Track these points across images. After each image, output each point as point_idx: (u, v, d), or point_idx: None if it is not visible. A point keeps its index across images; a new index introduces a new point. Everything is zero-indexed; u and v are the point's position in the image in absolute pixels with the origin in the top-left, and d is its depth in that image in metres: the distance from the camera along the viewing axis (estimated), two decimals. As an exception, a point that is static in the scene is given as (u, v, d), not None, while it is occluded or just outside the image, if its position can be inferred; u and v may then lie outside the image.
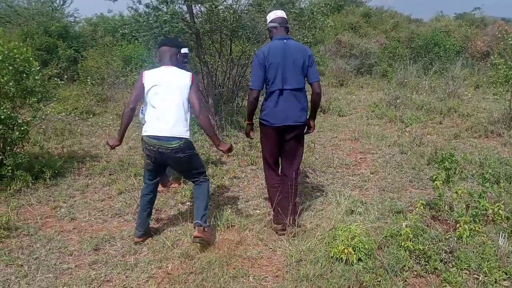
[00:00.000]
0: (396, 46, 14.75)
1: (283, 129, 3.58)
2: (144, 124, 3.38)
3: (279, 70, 3.48)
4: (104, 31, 16.23)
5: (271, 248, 3.45)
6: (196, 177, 3.55)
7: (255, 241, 3.57)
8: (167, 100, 3.29)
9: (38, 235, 3.69)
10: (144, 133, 3.33)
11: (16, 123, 4.77)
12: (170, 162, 3.46)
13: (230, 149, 3.47)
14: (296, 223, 3.66)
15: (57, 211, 4.21)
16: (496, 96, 7.90)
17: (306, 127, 3.74)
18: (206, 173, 3.63)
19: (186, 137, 3.31)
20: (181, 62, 3.53)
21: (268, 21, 3.64)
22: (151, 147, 3.30)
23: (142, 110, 3.99)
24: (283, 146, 3.71)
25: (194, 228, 3.37)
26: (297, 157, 3.75)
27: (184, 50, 4.43)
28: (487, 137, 6.71)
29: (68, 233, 3.77)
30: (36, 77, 4.87)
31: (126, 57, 10.63)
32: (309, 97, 3.64)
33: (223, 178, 5.08)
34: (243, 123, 7.12)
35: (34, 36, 12.24)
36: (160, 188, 4.39)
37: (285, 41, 3.53)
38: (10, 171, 4.58)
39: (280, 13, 3.63)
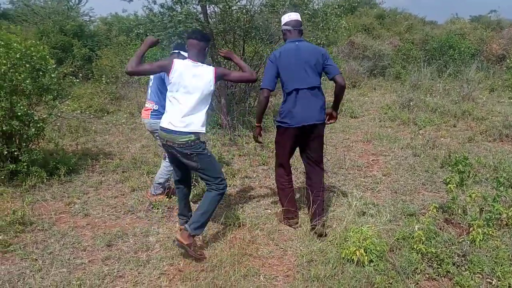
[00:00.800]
0: (410, 48, 14.62)
1: (303, 129, 3.59)
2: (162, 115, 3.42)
3: (293, 71, 3.52)
4: (118, 30, 16.39)
5: (282, 248, 3.46)
6: (208, 182, 3.38)
7: (266, 240, 3.58)
8: (187, 97, 3.26)
9: (52, 230, 3.75)
10: (160, 124, 3.36)
11: (32, 120, 4.84)
12: (181, 159, 3.36)
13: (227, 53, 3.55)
14: (325, 225, 3.65)
15: (71, 207, 4.27)
16: (511, 100, 7.80)
17: (328, 116, 3.77)
18: (222, 183, 3.38)
19: (198, 131, 3.26)
20: (206, 56, 3.49)
21: (282, 23, 3.67)
22: (162, 140, 3.35)
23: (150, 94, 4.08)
24: (306, 147, 3.74)
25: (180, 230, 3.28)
26: (321, 152, 3.79)
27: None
28: (502, 141, 6.63)
29: (82, 229, 3.82)
30: (52, 75, 4.95)
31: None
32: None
33: (234, 177, 5.10)
34: (255, 123, 7.12)
35: (50, 35, 12.41)
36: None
37: (297, 43, 3.58)
38: (25, 167, 4.66)
39: (294, 16, 3.65)
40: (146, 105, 4.25)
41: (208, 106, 3.36)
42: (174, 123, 3.23)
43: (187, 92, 3.26)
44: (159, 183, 4.36)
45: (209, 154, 3.37)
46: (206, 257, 3.28)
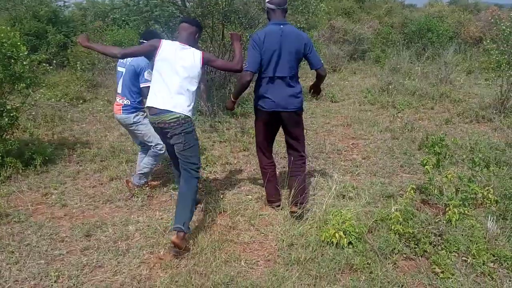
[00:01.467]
0: (389, 32, 14.69)
1: (276, 115, 3.61)
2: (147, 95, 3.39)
3: (273, 57, 3.48)
4: (94, 15, 15.98)
5: (263, 233, 3.48)
6: (187, 167, 3.33)
7: (247, 226, 3.59)
8: (174, 77, 3.26)
9: (29, 221, 3.68)
10: (147, 104, 3.33)
11: (5, 109, 4.70)
12: (169, 140, 3.37)
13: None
14: (303, 206, 3.64)
15: (48, 198, 4.19)
16: (487, 82, 7.95)
17: (313, 89, 3.91)
18: (199, 169, 3.44)
19: (187, 114, 3.28)
20: (196, 42, 3.48)
21: (266, 1, 3.57)
22: (153, 123, 3.35)
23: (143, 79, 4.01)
24: (286, 134, 3.79)
25: (173, 232, 3.14)
26: (299, 138, 3.79)
27: None
28: (478, 123, 6.76)
29: (59, 220, 3.75)
30: (24, 63, 4.79)
31: (116, 42, 10.46)
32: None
33: (215, 164, 5.08)
34: (236, 109, 7.08)
35: (23, 21, 12.00)
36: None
37: (281, 26, 3.51)
38: (0, 158, 4.54)
39: None
40: (117, 99, 4.14)
41: (194, 90, 3.35)
42: (162, 102, 3.24)
43: (175, 73, 3.27)
44: (143, 173, 4.27)
45: (195, 138, 3.39)
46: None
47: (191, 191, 3.30)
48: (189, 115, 3.31)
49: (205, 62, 3.36)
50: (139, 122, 4.10)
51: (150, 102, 3.30)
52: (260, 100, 3.62)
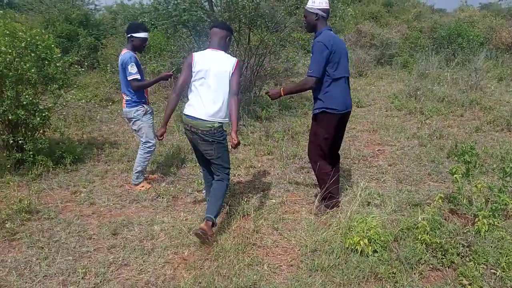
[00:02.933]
0: (418, 37, 14.42)
1: (345, 116, 3.79)
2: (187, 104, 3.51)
3: (342, 58, 3.61)
4: (124, 19, 16.31)
5: (286, 238, 3.47)
6: (219, 171, 3.54)
7: (270, 230, 3.59)
8: (210, 86, 3.36)
9: (58, 218, 3.79)
10: (184, 112, 3.47)
11: (38, 109, 4.86)
12: (200, 146, 3.50)
13: (237, 145, 3.40)
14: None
15: (77, 196, 4.31)
16: (520, 89, 7.70)
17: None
18: (229, 174, 3.62)
19: (222, 121, 3.40)
20: (228, 46, 3.55)
21: (317, 7, 3.60)
22: (186, 126, 3.46)
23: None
24: (339, 134, 3.91)
25: (203, 220, 3.34)
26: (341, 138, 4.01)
27: (144, 35, 4.26)
28: (510, 131, 6.55)
29: (88, 218, 3.85)
30: (58, 64, 4.95)
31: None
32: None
33: (239, 167, 5.10)
34: (260, 113, 7.11)
35: (56, 24, 12.39)
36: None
37: (332, 32, 3.69)
38: (31, 156, 4.69)
39: (327, 3, 3.66)
40: (122, 95, 4.40)
41: (228, 95, 3.41)
42: (198, 111, 3.36)
43: (207, 81, 3.36)
44: (138, 172, 4.44)
45: (226, 144, 3.50)
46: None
47: (222, 190, 3.50)
48: (222, 123, 3.40)
49: (235, 70, 3.39)
50: (137, 118, 4.30)
51: (188, 111, 3.44)
52: (333, 103, 3.58)
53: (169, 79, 4.53)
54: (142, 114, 4.30)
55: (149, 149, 4.38)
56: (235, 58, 3.43)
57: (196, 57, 3.39)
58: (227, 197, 4.23)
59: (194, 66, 3.36)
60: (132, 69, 4.11)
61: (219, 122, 3.38)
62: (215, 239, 3.35)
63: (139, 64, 4.27)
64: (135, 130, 4.44)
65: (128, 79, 4.14)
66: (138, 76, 4.15)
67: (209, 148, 3.45)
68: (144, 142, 4.37)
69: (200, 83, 3.38)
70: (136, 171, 4.43)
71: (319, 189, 3.94)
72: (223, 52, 3.43)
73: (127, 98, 4.28)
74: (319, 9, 3.59)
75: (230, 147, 3.48)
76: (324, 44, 3.46)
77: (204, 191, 4.11)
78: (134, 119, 4.31)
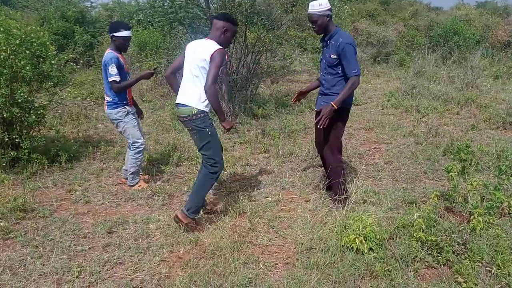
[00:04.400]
0: (415, 35, 14.44)
1: None
2: None
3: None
4: (120, 16, 16.24)
5: (282, 236, 3.46)
6: (204, 161, 3.50)
7: (266, 228, 3.59)
8: (188, 70, 3.43)
9: (53, 217, 3.77)
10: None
11: (33, 107, 4.83)
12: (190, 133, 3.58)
13: (230, 128, 3.49)
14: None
15: (72, 194, 4.29)
16: (516, 87, 7.72)
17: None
18: (216, 166, 3.47)
19: (199, 108, 3.36)
20: (223, 38, 3.45)
21: (326, 8, 3.65)
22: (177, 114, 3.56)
23: None
24: None
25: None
26: None
27: (126, 33, 4.16)
28: (505, 129, 6.57)
29: (83, 216, 3.83)
30: (53, 62, 4.92)
31: (141, 43, 10.64)
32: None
33: (235, 165, 5.10)
34: (257, 111, 7.10)
35: (51, 21, 12.33)
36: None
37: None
38: (26, 154, 4.66)
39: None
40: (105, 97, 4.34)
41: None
42: (178, 97, 3.46)
43: (187, 67, 3.44)
44: (133, 173, 4.40)
45: (210, 132, 3.43)
46: (204, 229, 3.48)
47: (200, 181, 3.49)
48: (200, 109, 3.37)
49: (211, 59, 3.29)
50: (120, 119, 4.24)
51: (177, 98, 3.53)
52: (351, 98, 3.85)
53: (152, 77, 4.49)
54: (124, 115, 4.23)
55: (138, 149, 4.31)
56: (218, 46, 3.33)
57: (187, 46, 3.52)
58: (222, 195, 4.23)
59: (185, 54, 3.48)
60: (112, 70, 4.03)
61: (196, 108, 3.34)
62: (196, 228, 3.47)
63: (122, 65, 4.16)
64: (120, 132, 4.38)
65: (109, 80, 4.08)
66: (117, 78, 4.05)
67: (194, 137, 3.54)
68: (132, 143, 4.30)
69: (184, 70, 3.49)
70: (130, 172, 4.39)
71: (318, 190, 3.93)
72: (213, 41, 3.38)
73: (109, 99, 4.22)
74: (328, 9, 3.66)
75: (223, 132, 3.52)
76: (352, 45, 3.61)
77: None
78: (116, 121, 4.26)
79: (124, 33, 4.14)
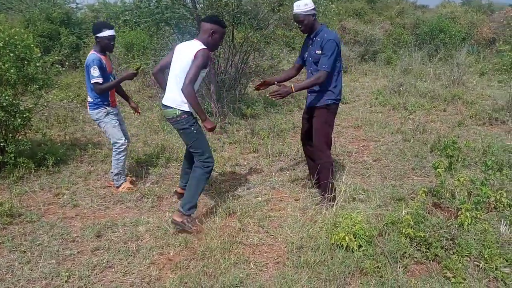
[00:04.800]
0: (401, 33, 14.56)
1: None
2: None
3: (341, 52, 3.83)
4: (106, 17, 16.10)
5: (272, 235, 3.47)
6: (195, 159, 3.56)
7: (257, 228, 3.59)
8: (173, 71, 3.47)
9: (41, 221, 3.72)
10: None
11: (18, 110, 4.76)
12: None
13: (213, 128, 3.49)
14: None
15: (59, 198, 4.24)
16: (501, 84, 7.84)
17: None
18: (208, 161, 3.55)
19: (182, 109, 3.39)
20: (210, 40, 3.44)
21: (311, 8, 3.71)
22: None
23: None
24: None
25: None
26: None
27: (109, 32, 4.09)
28: (491, 125, 6.66)
29: (71, 220, 3.79)
30: (37, 64, 4.86)
31: (128, 43, 10.56)
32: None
33: (225, 165, 5.08)
34: (246, 110, 7.09)
35: (36, 23, 12.16)
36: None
37: None
38: (12, 158, 4.59)
39: None
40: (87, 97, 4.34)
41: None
42: (164, 98, 3.50)
43: (172, 68, 3.47)
44: (117, 174, 4.36)
45: (195, 131, 3.48)
46: (204, 229, 3.45)
47: (194, 178, 3.53)
48: (184, 110, 3.39)
49: (193, 58, 3.30)
50: (100, 120, 4.23)
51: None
52: (339, 94, 3.89)
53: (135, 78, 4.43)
54: (103, 116, 4.21)
55: (119, 150, 4.28)
56: (201, 47, 3.33)
57: (176, 47, 3.55)
58: (212, 195, 4.22)
59: (173, 54, 3.51)
60: (94, 72, 3.99)
61: (179, 110, 3.39)
62: (193, 229, 3.43)
63: (104, 66, 4.10)
64: (102, 131, 4.38)
65: (91, 82, 4.04)
66: (99, 80, 4.01)
67: (182, 137, 3.59)
68: (113, 143, 4.29)
69: (169, 71, 3.52)
70: (114, 173, 4.35)
71: (307, 185, 3.94)
72: (200, 42, 3.40)
73: (90, 100, 4.21)
74: (313, 8, 3.72)
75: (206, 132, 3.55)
76: (336, 42, 3.66)
77: None
78: (98, 121, 4.26)
79: (107, 33, 4.08)
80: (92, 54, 4.07)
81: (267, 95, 3.77)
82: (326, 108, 3.86)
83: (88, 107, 4.27)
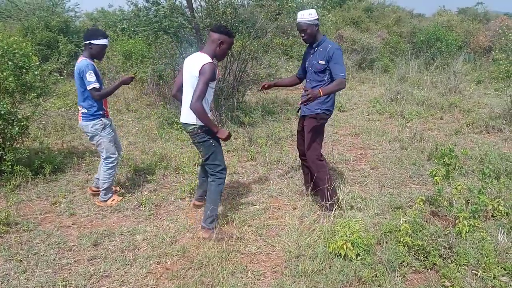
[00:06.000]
0: (398, 41, 14.66)
1: None
2: None
3: None
4: (104, 26, 16.16)
5: (270, 244, 3.46)
6: (210, 170, 3.58)
7: (254, 236, 3.58)
8: (184, 87, 3.47)
9: (38, 230, 3.70)
10: None
11: (16, 118, 4.76)
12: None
13: (228, 137, 3.44)
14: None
15: (56, 207, 4.22)
16: (497, 92, 7.88)
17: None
18: (222, 171, 3.57)
19: (196, 124, 3.39)
20: (218, 50, 3.41)
21: (314, 18, 3.76)
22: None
23: None
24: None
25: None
26: None
27: (104, 42, 4.01)
28: (488, 133, 6.69)
29: (68, 229, 3.77)
30: (36, 72, 4.86)
31: (126, 52, 10.59)
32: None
33: (223, 173, 5.07)
34: (243, 118, 7.11)
35: (35, 31, 12.19)
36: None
37: None
38: (9, 166, 4.58)
39: None
40: (79, 108, 4.12)
41: (206, 98, 3.36)
42: (181, 115, 3.52)
43: (184, 84, 3.46)
44: (105, 189, 4.20)
45: (213, 144, 3.51)
46: (233, 235, 3.52)
47: (211, 192, 3.56)
48: (199, 124, 3.38)
49: (199, 73, 3.26)
50: (96, 133, 4.04)
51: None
52: (332, 104, 3.94)
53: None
54: (100, 129, 4.03)
55: (111, 165, 4.14)
56: (207, 60, 3.28)
57: (185, 61, 3.52)
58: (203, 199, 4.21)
59: (183, 69, 3.50)
60: (90, 77, 3.83)
61: (197, 125, 3.39)
62: (223, 236, 3.50)
63: (98, 72, 3.99)
64: (94, 144, 4.18)
65: (88, 88, 3.87)
66: (97, 85, 3.87)
67: (199, 149, 3.59)
68: (105, 158, 4.12)
69: (183, 87, 3.50)
70: (103, 188, 4.19)
71: (304, 193, 3.94)
72: (206, 55, 3.34)
73: (84, 111, 4.00)
74: (316, 19, 3.77)
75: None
76: (341, 50, 3.77)
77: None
78: (92, 134, 4.05)
79: (102, 41, 3.98)
80: (84, 60, 3.92)
81: (299, 104, 3.86)
82: (315, 118, 3.88)
83: (81, 118, 4.04)
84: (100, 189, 4.25)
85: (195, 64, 3.31)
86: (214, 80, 3.35)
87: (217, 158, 3.55)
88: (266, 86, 4.20)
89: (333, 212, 3.72)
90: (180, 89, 3.58)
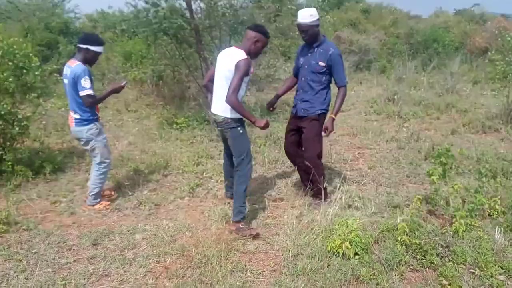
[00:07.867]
0: (395, 42, 14.70)
1: None
2: None
3: None
4: (104, 27, 16.16)
5: (269, 243, 3.49)
6: (236, 159, 3.67)
7: (253, 235, 3.60)
8: (217, 80, 3.57)
9: (38, 229, 3.71)
10: None
11: (16, 119, 4.77)
12: (223, 135, 3.76)
13: (267, 125, 3.56)
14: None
15: (56, 206, 4.24)
16: (494, 92, 7.95)
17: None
18: (247, 161, 3.65)
19: (226, 116, 3.50)
20: (253, 48, 3.50)
21: (316, 18, 3.79)
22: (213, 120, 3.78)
23: None
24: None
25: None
26: None
27: (101, 49, 3.97)
28: (485, 133, 6.74)
29: (68, 228, 3.79)
30: (36, 73, 4.88)
31: (126, 53, 10.60)
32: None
33: (221, 173, 5.08)
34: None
35: (35, 32, 12.19)
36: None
37: None
38: (10, 166, 4.60)
39: None
40: (70, 113, 4.00)
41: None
42: (212, 107, 3.66)
43: (217, 76, 3.58)
44: (95, 194, 4.14)
45: (241, 131, 3.61)
46: (260, 233, 3.58)
47: (238, 184, 3.67)
48: (229, 117, 3.50)
49: (235, 68, 3.37)
50: (92, 138, 3.97)
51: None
52: (328, 105, 4.01)
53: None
54: (96, 133, 3.97)
55: (104, 169, 4.11)
56: (243, 56, 3.39)
57: (219, 54, 3.62)
58: (204, 198, 4.24)
59: (216, 62, 3.61)
60: (86, 83, 3.75)
61: (227, 116, 3.51)
62: (251, 232, 3.56)
63: (92, 78, 3.89)
64: (87, 149, 4.12)
65: (81, 94, 3.77)
66: (91, 92, 3.79)
67: (230, 139, 3.66)
68: (99, 163, 4.06)
69: (215, 79, 3.61)
70: (93, 192, 4.12)
71: (302, 192, 3.98)
72: (242, 51, 3.45)
73: (77, 116, 3.89)
74: (317, 19, 3.80)
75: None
76: (341, 56, 3.89)
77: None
78: (87, 139, 3.96)
79: (99, 49, 3.93)
80: (80, 65, 3.81)
81: (328, 142, 4.04)
82: (317, 120, 3.95)
83: (74, 123, 3.93)
84: (89, 194, 4.17)
85: (231, 59, 3.41)
86: (248, 75, 3.47)
87: (243, 146, 3.65)
88: (272, 109, 4.39)
89: (322, 201, 3.89)
90: (211, 80, 3.70)
